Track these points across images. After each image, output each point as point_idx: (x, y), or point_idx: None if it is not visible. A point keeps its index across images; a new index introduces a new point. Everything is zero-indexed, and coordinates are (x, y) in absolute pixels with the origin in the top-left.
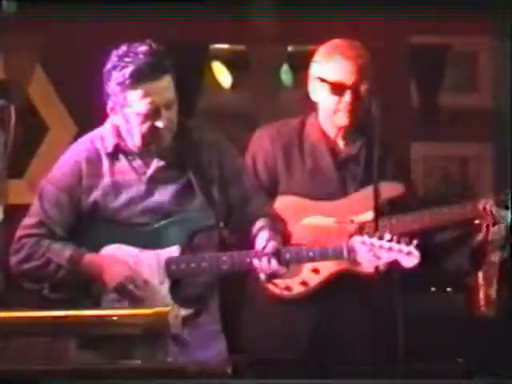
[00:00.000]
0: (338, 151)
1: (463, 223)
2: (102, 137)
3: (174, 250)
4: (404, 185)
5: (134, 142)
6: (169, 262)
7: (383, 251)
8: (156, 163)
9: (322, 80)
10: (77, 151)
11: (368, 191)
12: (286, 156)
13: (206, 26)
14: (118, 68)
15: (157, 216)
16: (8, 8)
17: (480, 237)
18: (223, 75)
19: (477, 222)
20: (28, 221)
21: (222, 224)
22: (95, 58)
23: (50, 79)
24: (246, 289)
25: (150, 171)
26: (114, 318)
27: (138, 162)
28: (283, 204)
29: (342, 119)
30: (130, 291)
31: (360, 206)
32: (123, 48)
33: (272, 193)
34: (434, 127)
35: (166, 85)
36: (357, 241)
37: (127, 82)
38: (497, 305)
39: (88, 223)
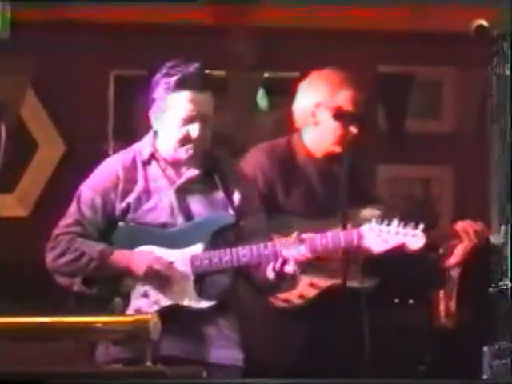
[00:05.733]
0: (326, 171)
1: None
2: (140, 147)
3: (197, 248)
4: (380, 206)
5: (167, 147)
6: (193, 259)
7: (391, 235)
8: (187, 173)
9: (330, 109)
10: (115, 159)
11: (353, 213)
12: (282, 175)
13: (187, 51)
14: (168, 75)
15: (183, 218)
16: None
17: (444, 255)
18: None
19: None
20: (64, 221)
21: (242, 223)
22: (84, 81)
23: (40, 100)
24: (247, 301)
25: (180, 180)
26: (98, 325)
27: (170, 171)
28: (282, 222)
29: (343, 147)
30: (158, 271)
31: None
32: (174, 61)
33: (271, 209)
34: (399, 151)
35: (206, 99)
36: (366, 227)
37: (172, 85)
38: (456, 316)
39: (116, 226)
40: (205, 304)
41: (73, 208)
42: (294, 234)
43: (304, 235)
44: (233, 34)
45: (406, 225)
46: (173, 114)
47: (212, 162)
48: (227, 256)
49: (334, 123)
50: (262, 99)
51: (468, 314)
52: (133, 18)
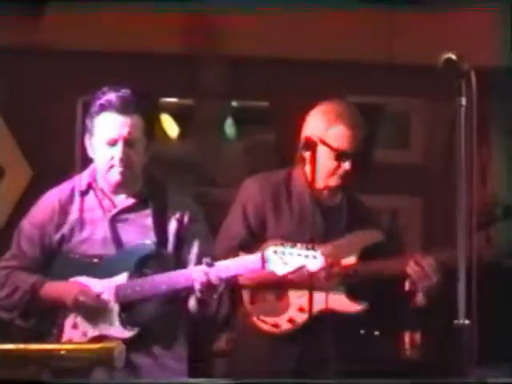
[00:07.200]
0: (323, 200)
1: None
2: (80, 178)
3: (122, 277)
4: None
5: (100, 174)
6: (117, 288)
7: (292, 258)
8: (122, 203)
9: (324, 143)
10: (53, 192)
11: (349, 238)
12: (274, 203)
13: (157, 79)
14: (95, 100)
15: (115, 249)
16: None
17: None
18: (171, 127)
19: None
20: (6, 254)
21: (165, 252)
22: (52, 107)
23: (7, 126)
24: (237, 325)
25: (114, 210)
26: (62, 352)
27: (106, 201)
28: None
29: (337, 181)
30: (84, 303)
31: (341, 251)
32: (105, 87)
33: (260, 238)
34: (367, 181)
35: (131, 122)
36: (270, 250)
37: (96, 109)
38: (421, 348)
39: (54, 257)
40: (128, 333)
41: (13, 242)
42: (204, 260)
43: (208, 261)
44: (202, 63)
45: (307, 247)
46: (98, 138)
47: (152, 189)
48: (147, 284)
49: (327, 156)
50: (229, 128)
51: (433, 346)
52: (102, 45)
